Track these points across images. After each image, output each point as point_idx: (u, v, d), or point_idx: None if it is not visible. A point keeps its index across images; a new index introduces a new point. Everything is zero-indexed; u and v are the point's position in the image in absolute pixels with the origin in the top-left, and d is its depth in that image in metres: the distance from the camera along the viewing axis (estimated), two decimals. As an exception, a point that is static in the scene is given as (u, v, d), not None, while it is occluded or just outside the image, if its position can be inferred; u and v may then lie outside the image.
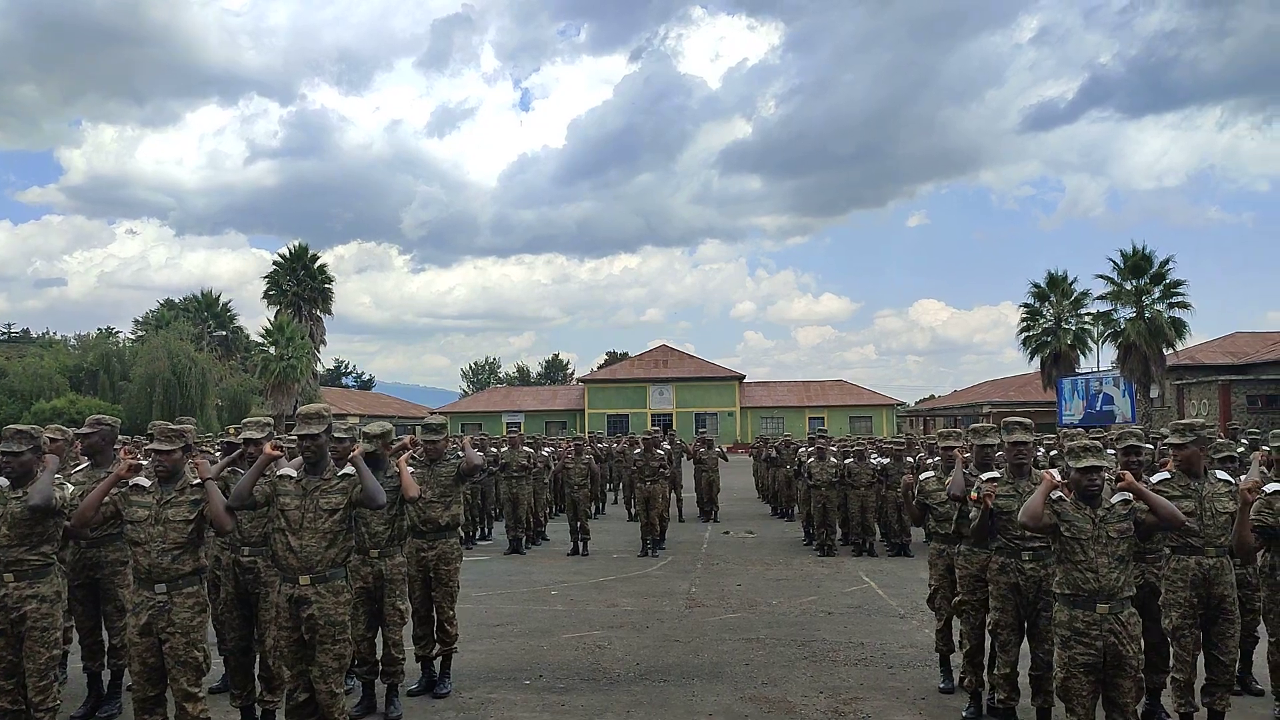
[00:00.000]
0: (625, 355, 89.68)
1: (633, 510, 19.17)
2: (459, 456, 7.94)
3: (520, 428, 53.61)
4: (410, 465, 7.23)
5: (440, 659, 7.62)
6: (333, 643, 5.53)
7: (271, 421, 6.98)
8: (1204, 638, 6.05)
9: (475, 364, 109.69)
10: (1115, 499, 5.13)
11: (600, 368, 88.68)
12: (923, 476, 7.69)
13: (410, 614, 7.40)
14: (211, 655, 5.74)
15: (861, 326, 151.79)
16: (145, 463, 5.78)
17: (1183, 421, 6.36)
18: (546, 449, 19.23)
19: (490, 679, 7.88)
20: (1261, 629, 6.71)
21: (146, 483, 5.62)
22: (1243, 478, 6.31)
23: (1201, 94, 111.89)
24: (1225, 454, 6.87)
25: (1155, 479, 6.18)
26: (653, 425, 51.66)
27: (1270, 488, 5.24)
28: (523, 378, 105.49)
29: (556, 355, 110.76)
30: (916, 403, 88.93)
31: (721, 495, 22.21)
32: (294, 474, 5.68)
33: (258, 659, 6.60)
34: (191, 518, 5.51)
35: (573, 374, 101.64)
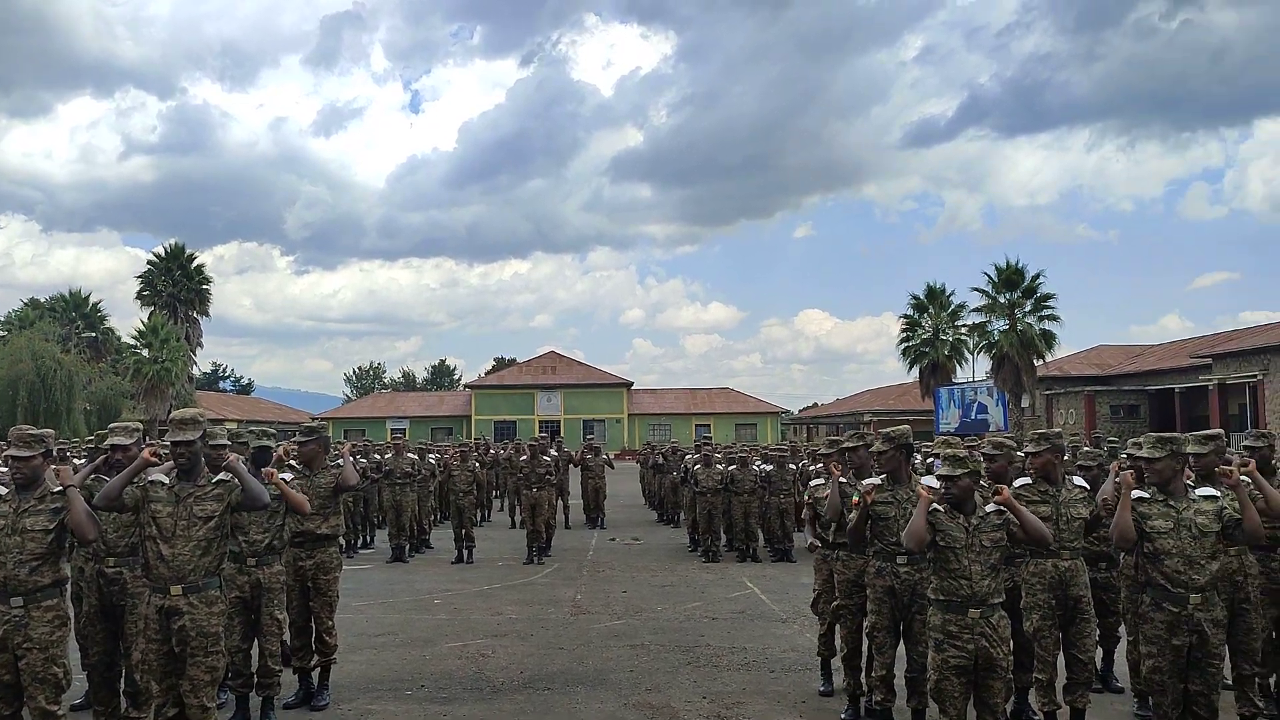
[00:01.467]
0: (514, 361, 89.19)
1: (518, 517, 19.03)
2: (338, 466, 7.78)
3: (405, 434, 52.71)
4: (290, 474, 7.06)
5: (318, 670, 7.43)
6: (205, 655, 5.34)
7: (140, 426, 6.72)
8: (1063, 638, 6.30)
9: (359, 369, 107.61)
10: (989, 508, 5.29)
11: (488, 374, 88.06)
12: (812, 484, 7.91)
13: (288, 624, 7.20)
14: (74, 671, 5.48)
15: (748, 335, 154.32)
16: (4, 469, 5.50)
17: (1039, 430, 6.67)
18: (433, 455, 18.97)
19: (370, 690, 7.72)
20: (1122, 629, 7.04)
21: (3, 490, 5.35)
22: (1104, 485, 6.63)
23: (1072, 116, 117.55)
24: (1086, 462, 7.20)
25: (1017, 484, 6.45)
26: (540, 432, 51.48)
27: (1136, 494, 5.50)
28: (408, 383, 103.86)
29: (443, 361, 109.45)
30: (800, 410, 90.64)
31: (608, 502, 22.27)
32: (166, 480, 5.47)
33: (123, 674, 6.33)
34: (51, 527, 5.25)
35: (460, 380, 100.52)
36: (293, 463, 7.55)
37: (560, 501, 19.61)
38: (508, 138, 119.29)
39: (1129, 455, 7.28)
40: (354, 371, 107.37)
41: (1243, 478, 6.18)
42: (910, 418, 58.33)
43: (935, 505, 5.20)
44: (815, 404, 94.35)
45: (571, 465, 21.51)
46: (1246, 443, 7.10)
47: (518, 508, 18.93)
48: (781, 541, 15.47)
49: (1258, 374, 36.30)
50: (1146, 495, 5.37)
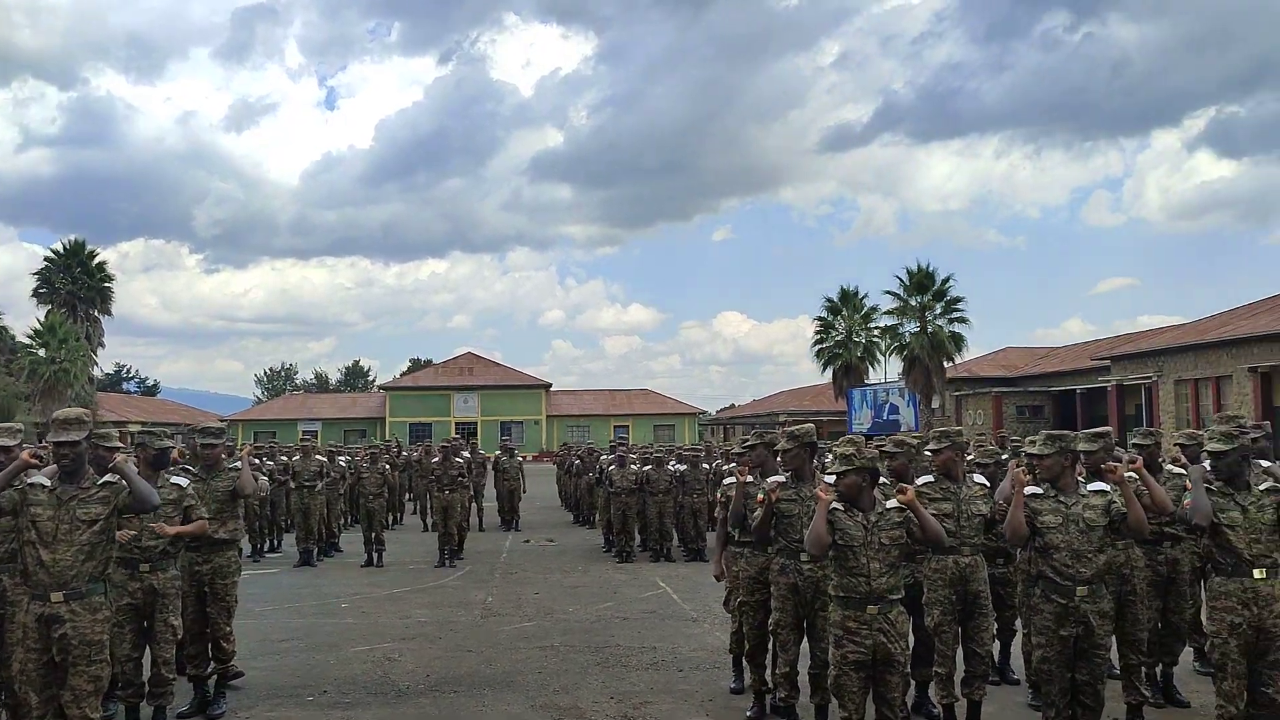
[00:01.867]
0: (430, 362, 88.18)
1: (430, 520, 18.82)
2: (236, 470, 7.58)
3: (317, 436, 51.69)
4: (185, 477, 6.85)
5: (215, 678, 7.23)
6: (87, 664, 5.15)
7: (22, 428, 6.46)
8: (961, 632, 6.43)
9: (271, 370, 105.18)
10: (890, 504, 5.36)
11: (403, 375, 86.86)
12: (725, 482, 7.92)
13: (182, 631, 6.99)
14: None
15: (667, 337, 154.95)
16: None
17: (940, 429, 6.83)
18: (343, 458, 18.65)
19: (271, 697, 7.54)
20: (1019, 623, 7.22)
21: (46, 481, 5.12)
22: (1002, 484, 6.80)
23: (982, 124, 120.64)
24: (983, 460, 7.38)
25: (919, 481, 6.58)
26: (456, 434, 50.93)
27: (1029, 490, 5.64)
28: (321, 384, 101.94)
29: (357, 361, 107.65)
30: (718, 411, 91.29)
31: (524, 504, 22.15)
32: (47, 483, 5.26)
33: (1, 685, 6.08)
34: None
35: (374, 381, 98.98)
36: (188, 466, 7.34)
37: (474, 504, 19.46)
38: (425, 136, 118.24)
39: (1024, 453, 7.48)
40: (265, 372, 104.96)
41: (1129, 474, 6.42)
42: (824, 418, 59.19)
43: (835, 505, 5.25)
44: (733, 405, 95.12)
45: (486, 468, 21.37)
46: (1135, 441, 7.36)
47: (430, 510, 18.73)
48: (695, 541, 15.54)
49: (1153, 375, 37.62)
50: (1039, 491, 5.51)
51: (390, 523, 19.91)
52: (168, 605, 6.52)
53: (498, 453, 22.31)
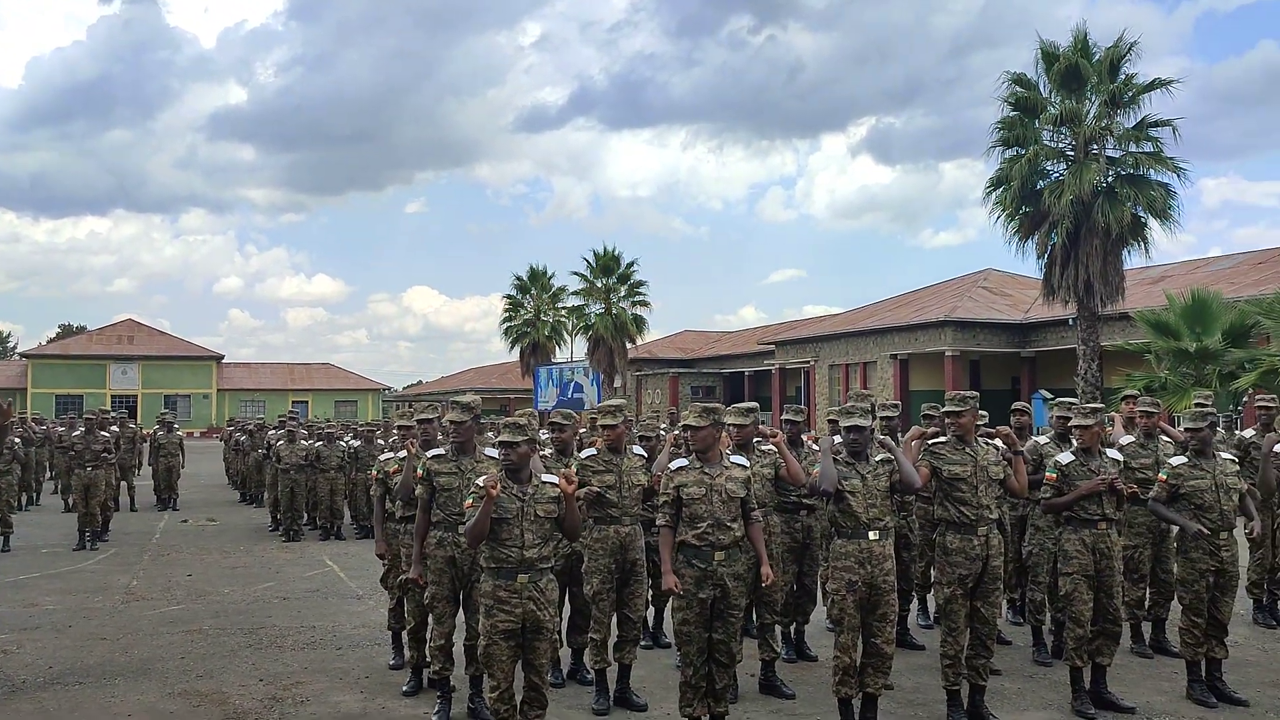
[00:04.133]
0: (84, 329, 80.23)
1: (70, 500, 17.13)
2: None
3: (-60, 407, 45.64)
4: None
5: None
6: None
7: None
8: (617, 598, 6.67)
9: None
10: (546, 477, 5.47)
11: (51, 341, 78.58)
12: (382, 458, 7.82)
13: None
14: None
15: (355, 310, 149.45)
16: None
17: (612, 403, 7.05)
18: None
19: None
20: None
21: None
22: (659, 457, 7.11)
23: (670, 115, 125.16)
24: (645, 433, 7.71)
25: (583, 455, 6.78)
26: (114, 406, 46.89)
27: (676, 464, 5.92)
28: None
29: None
30: (405, 388, 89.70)
31: (186, 482, 20.77)
32: None
33: None
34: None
35: (14, 348, 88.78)
36: None
37: (123, 482, 17.96)
38: (87, 81, 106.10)
39: (682, 425, 7.86)
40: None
41: (771, 446, 6.92)
42: (511, 396, 59.66)
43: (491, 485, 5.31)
44: (420, 381, 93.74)
45: (141, 443, 19.75)
46: (786, 417, 7.95)
47: (70, 489, 17.04)
48: (368, 518, 15.13)
49: (810, 360, 40.93)
50: (685, 464, 5.78)
51: (24, 503, 17.97)
52: None
53: (155, 427, 20.66)
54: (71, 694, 6.78)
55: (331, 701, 6.65)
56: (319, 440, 15.87)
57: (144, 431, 23.74)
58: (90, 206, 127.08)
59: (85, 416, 15.40)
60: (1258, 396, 10.32)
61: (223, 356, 71.17)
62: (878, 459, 5.97)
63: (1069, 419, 7.49)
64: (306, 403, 67.24)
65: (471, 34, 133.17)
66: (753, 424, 6.91)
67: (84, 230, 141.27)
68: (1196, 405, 8.84)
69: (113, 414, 19.67)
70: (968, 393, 6.58)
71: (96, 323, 72.48)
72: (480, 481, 5.25)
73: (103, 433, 14.70)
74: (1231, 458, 7.11)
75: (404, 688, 6.85)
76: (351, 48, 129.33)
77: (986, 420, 8.18)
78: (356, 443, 15.77)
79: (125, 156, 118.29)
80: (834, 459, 5.95)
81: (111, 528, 14.98)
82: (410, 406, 8.85)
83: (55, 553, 13.19)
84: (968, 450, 6.29)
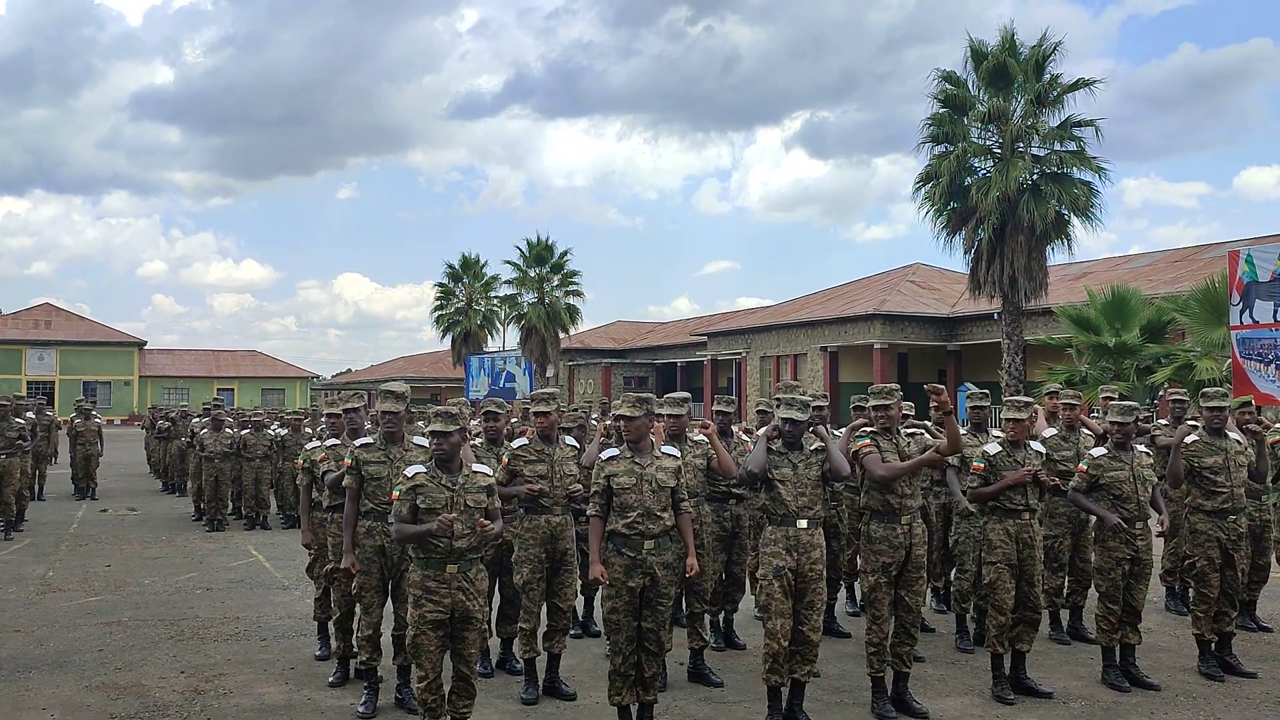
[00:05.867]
0: (-2, 312, 77.58)
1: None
2: None
3: None
4: None
5: None
6: None
7: None
8: (548, 588, 6.66)
9: None
10: (476, 467, 5.45)
11: (-37, 325, 75.87)
12: (309, 447, 7.70)
13: None
14: None
15: (284, 296, 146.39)
16: None
17: (545, 391, 7.04)
18: None
19: None
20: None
21: None
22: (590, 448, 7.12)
23: (606, 105, 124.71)
24: (568, 424, 7.74)
25: (515, 444, 6.76)
26: (30, 393, 45.58)
27: (607, 454, 5.92)
28: None
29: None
30: (334, 376, 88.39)
31: (106, 471, 20.28)
32: None
33: None
34: None
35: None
36: None
37: (39, 470, 17.46)
38: (5, 56, 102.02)
39: (614, 414, 7.87)
40: None
41: (702, 437, 6.97)
42: (442, 385, 59.21)
43: (419, 469, 5.28)
44: (350, 370, 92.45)
45: (57, 430, 19.20)
46: (717, 408, 8.00)
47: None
48: (294, 508, 14.90)
49: (742, 352, 41.24)
50: (616, 453, 5.79)
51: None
52: None
53: (73, 414, 20.10)
54: (-18, 688, 6.58)
55: (256, 693, 6.54)
56: (245, 428, 15.59)
57: (61, 419, 23.08)
58: (7, 186, 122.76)
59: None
60: (1171, 391, 10.66)
61: (145, 343, 69.38)
62: (811, 448, 6.04)
63: (984, 409, 8.00)
64: (232, 390, 65.92)
65: (408, 18, 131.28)
66: (686, 415, 6.97)
67: (0, 211, 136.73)
68: (1105, 398, 9.15)
69: (28, 400, 19.09)
70: (892, 385, 6.70)
71: (12, 306, 70.08)
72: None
73: (17, 420, 14.25)
74: (1146, 450, 7.33)
75: (330, 678, 6.78)
76: (284, 29, 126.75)
77: (913, 412, 8.35)
78: (283, 431, 15.51)
79: (45, 135, 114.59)
80: (768, 447, 6.00)
81: (27, 517, 14.58)
82: (338, 395, 8.75)
83: (-34, 543, 12.79)
84: (893, 441, 6.40)
